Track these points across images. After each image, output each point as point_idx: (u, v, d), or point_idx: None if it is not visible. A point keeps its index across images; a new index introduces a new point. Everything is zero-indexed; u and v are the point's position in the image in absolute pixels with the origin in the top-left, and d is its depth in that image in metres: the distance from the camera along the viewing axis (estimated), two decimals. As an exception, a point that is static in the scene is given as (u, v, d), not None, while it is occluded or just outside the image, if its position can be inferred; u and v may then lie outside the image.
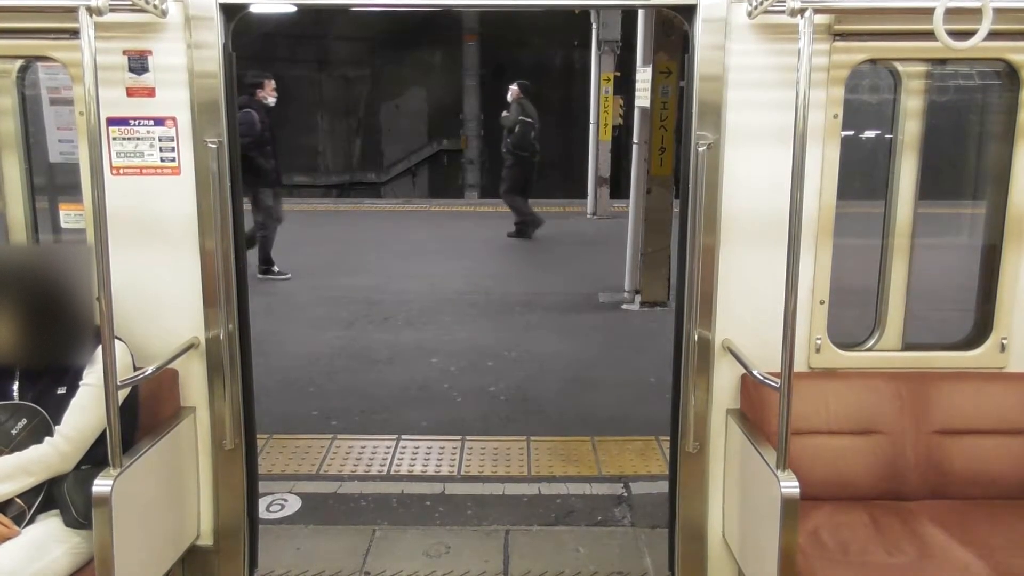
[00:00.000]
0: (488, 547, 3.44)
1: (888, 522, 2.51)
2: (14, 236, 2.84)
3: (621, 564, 3.31)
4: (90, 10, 2.03)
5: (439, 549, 3.43)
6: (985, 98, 2.89)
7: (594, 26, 12.21)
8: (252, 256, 8.01)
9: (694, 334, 2.68)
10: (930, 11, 2.05)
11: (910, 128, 2.72)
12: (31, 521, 2.28)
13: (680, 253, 2.76)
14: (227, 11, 2.55)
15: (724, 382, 2.73)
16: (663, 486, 3.47)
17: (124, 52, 2.53)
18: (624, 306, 7.57)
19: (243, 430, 2.79)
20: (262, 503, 3.60)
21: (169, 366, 2.58)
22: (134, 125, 2.58)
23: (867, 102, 2.83)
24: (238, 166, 2.68)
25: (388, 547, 3.43)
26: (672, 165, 7.10)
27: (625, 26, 11.67)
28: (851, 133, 2.68)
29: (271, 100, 8.04)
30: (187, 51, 2.53)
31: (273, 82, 8.12)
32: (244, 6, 2.58)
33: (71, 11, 2.05)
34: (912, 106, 2.70)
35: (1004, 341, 2.73)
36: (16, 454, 2.28)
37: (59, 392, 2.38)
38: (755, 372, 2.44)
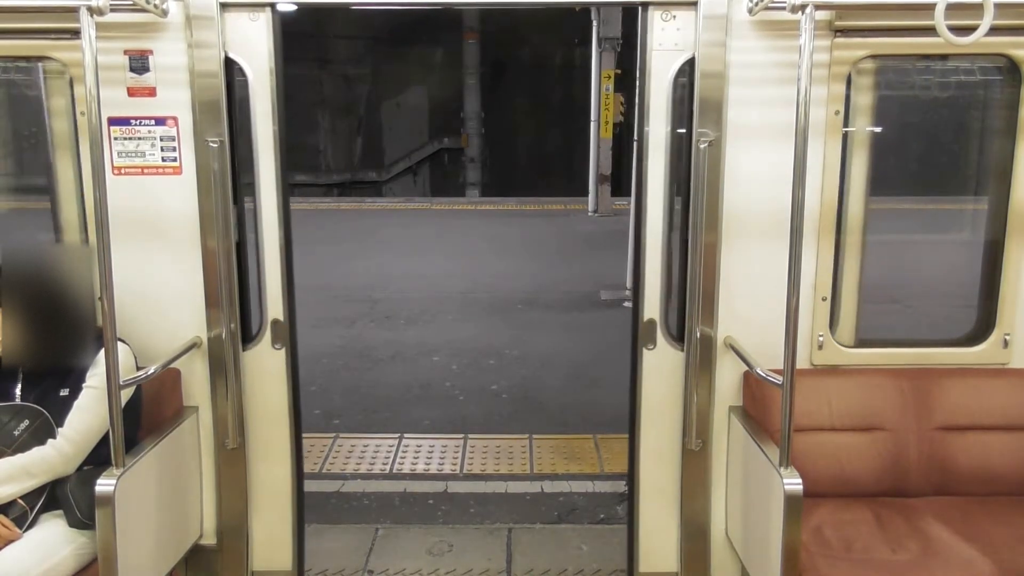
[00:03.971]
0: (491, 545, 3.44)
1: (891, 519, 2.50)
2: (68, 236, 2.80)
3: (624, 562, 3.31)
4: (91, 10, 2.03)
5: (442, 547, 3.43)
6: (987, 94, 2.88)
7: (594, 23, 12.20)
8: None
9: (696, 331, 2.68)
10: (931, 7, 2.04)
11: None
12: (33, 522, 2.28)
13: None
14: (227, 11, 2.55)
15: (726, 379, 2.73)
16: (666, 483, 3.46)
17: (125, 52, 2.52)
18: (626, 304, 7.56)
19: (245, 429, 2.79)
20: (265, 502, 3.61)
21: (171, 366, 2.58)
22: (135, 125, 2.57)
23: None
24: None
25: (391, 545, 3.44)
26: (673, 162, 7.07)
27: (625, 23, 11.67)
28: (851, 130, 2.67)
29: None
30: (188, 51, 2.53)
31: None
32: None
33: (72, 11, 2.05)
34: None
35: (1007, 337, 2.72)
36: (18, 455, 2.28)
37: (62, 394, 2.38)
38: (757, 369, 2.44)
